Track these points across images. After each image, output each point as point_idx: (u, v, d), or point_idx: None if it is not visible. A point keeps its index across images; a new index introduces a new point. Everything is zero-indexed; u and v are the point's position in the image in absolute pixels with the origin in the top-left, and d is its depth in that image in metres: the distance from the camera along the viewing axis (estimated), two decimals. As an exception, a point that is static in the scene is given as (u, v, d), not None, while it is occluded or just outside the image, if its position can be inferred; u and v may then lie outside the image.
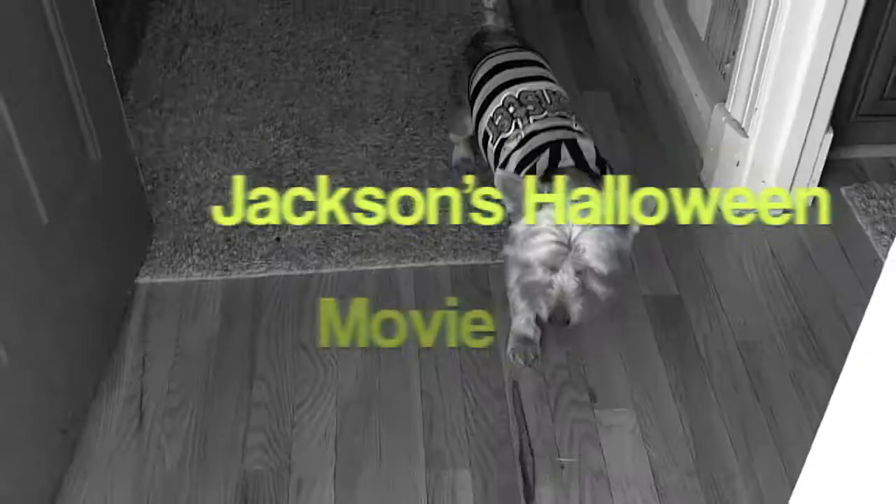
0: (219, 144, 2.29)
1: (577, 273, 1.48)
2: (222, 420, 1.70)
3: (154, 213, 2.11)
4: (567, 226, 1.46)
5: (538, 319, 1.66)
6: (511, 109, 1.75)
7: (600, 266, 1.48)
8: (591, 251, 1.47)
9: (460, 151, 2.19)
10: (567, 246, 1.47)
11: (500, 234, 2.02)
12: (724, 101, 2.05)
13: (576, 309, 1.50)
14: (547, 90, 1.78)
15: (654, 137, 2.30)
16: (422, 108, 2.39)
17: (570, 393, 1.72)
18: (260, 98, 2.44)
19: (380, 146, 2.28)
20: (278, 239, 2.04)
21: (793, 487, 1.55)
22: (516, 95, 1.77)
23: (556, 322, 1.52)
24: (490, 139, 1.78)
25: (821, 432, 0.79)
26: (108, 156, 1.79)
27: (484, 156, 1.85)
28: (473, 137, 1.98)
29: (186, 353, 1.82)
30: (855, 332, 0.75)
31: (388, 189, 2.16)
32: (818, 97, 1.89)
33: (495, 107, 1.78)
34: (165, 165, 2.23)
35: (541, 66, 1.87)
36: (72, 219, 1.63)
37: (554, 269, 1.49)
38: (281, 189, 2.16)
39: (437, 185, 2.17)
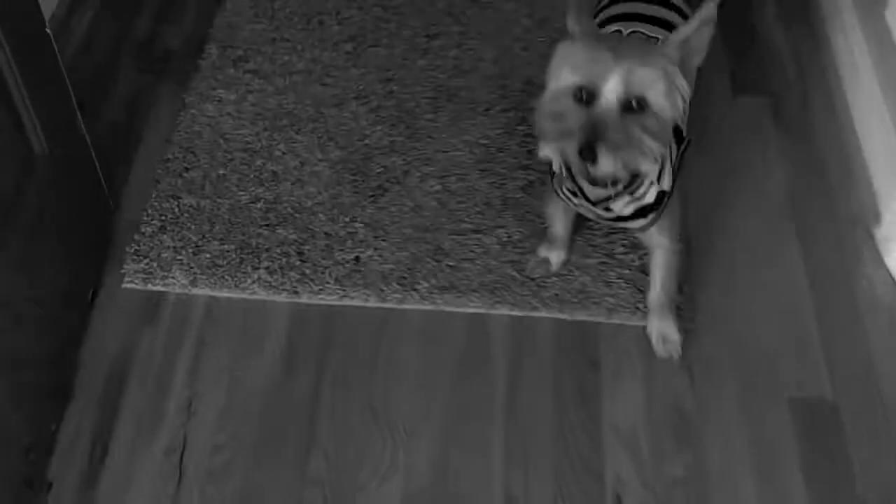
0: (304, 124, 1.99)
1: (621, 100, 1.20)
2: (271, 496, 1.45)
3: (222, 206, 1.84)
4: (616, 43, 1.26)
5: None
6: None
7: (654, 95, 1.20)
8: (644, 72, 1.19)
9: None
10: (613, 58, 1.20)
11: (619, 285, 1.69)
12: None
13: (610, 138, 1.19)
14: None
15: (819, 168, 1.89)
16: (542, 100, 2.02)
17: (684, 519, 1.42)
18: (356, 67, 2.11)
19: (487, 145, 1.94)
20: (357, 259, 1.75)
21: None
22: (626, 34, 1.46)
23: (584, 160, 1.20)
24: None
25: None
26: (58, 147, 1.51)
27: None
28: None
29: (240, 397, 1.57)
30: None
31: (489, 203, 1.83)
32: None
33: None
34: (242, 144, 1.95)
35: (678, 10, 1.53)
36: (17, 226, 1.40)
37: (592, 94, 1.22)
38: (366, 189, 1.86)
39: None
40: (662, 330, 1.58)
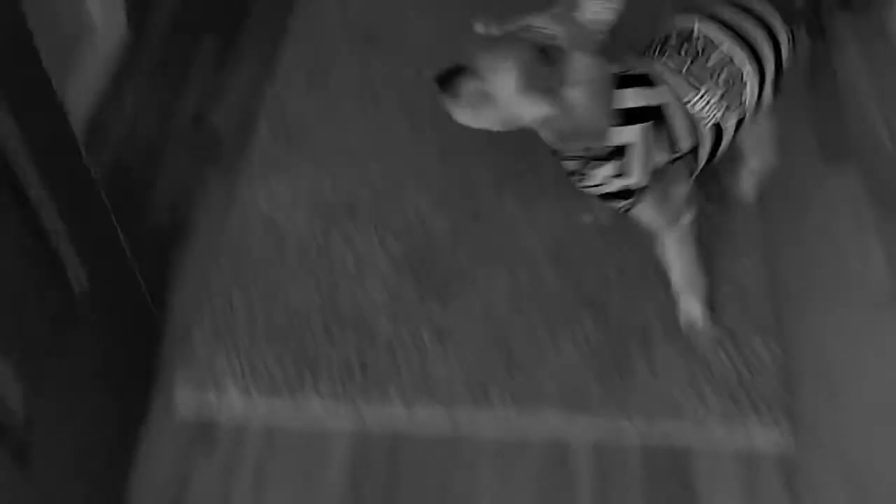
0: (361, 212, 1.87)
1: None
2: None
3: (276, 310, 1.72)
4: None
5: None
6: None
7: (496, 81, 1.28)
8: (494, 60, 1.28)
9: None
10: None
11: (712, 396, 1.53)
12: None
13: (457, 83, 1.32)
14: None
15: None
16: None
17: None
18: (413, 143, 1.98)
19: (559, 236, 1.80)
20: (423, 367, 1.62)
21: None
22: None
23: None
24: None
25: None
26: (99, 280, 1.40)
27: None
28: None
29: (302, 534, 1.45)
30: None
31: (564, 301, 1.69)
32: None
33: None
34: (298, 241, 1.83)
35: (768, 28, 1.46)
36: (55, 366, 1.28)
37: None
38: (430, 286, 1.72)
39: (632, 302, 1.68)
40: (687, 311, 1.60)
